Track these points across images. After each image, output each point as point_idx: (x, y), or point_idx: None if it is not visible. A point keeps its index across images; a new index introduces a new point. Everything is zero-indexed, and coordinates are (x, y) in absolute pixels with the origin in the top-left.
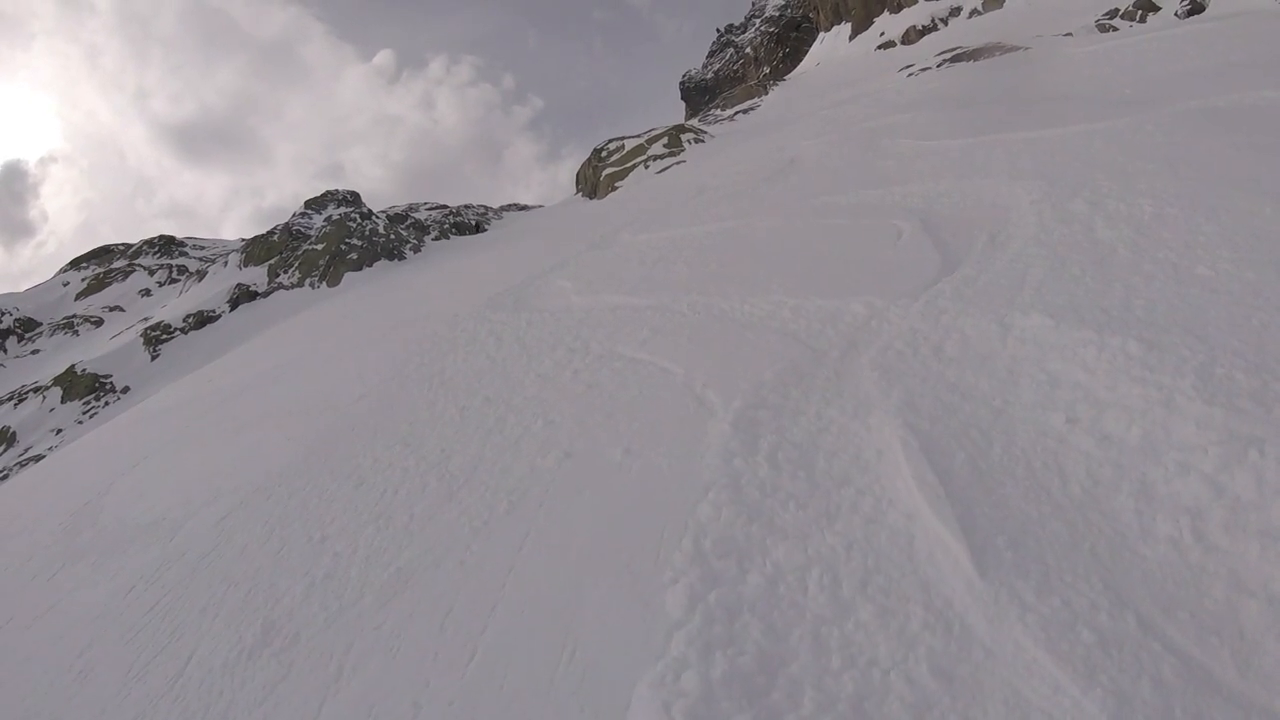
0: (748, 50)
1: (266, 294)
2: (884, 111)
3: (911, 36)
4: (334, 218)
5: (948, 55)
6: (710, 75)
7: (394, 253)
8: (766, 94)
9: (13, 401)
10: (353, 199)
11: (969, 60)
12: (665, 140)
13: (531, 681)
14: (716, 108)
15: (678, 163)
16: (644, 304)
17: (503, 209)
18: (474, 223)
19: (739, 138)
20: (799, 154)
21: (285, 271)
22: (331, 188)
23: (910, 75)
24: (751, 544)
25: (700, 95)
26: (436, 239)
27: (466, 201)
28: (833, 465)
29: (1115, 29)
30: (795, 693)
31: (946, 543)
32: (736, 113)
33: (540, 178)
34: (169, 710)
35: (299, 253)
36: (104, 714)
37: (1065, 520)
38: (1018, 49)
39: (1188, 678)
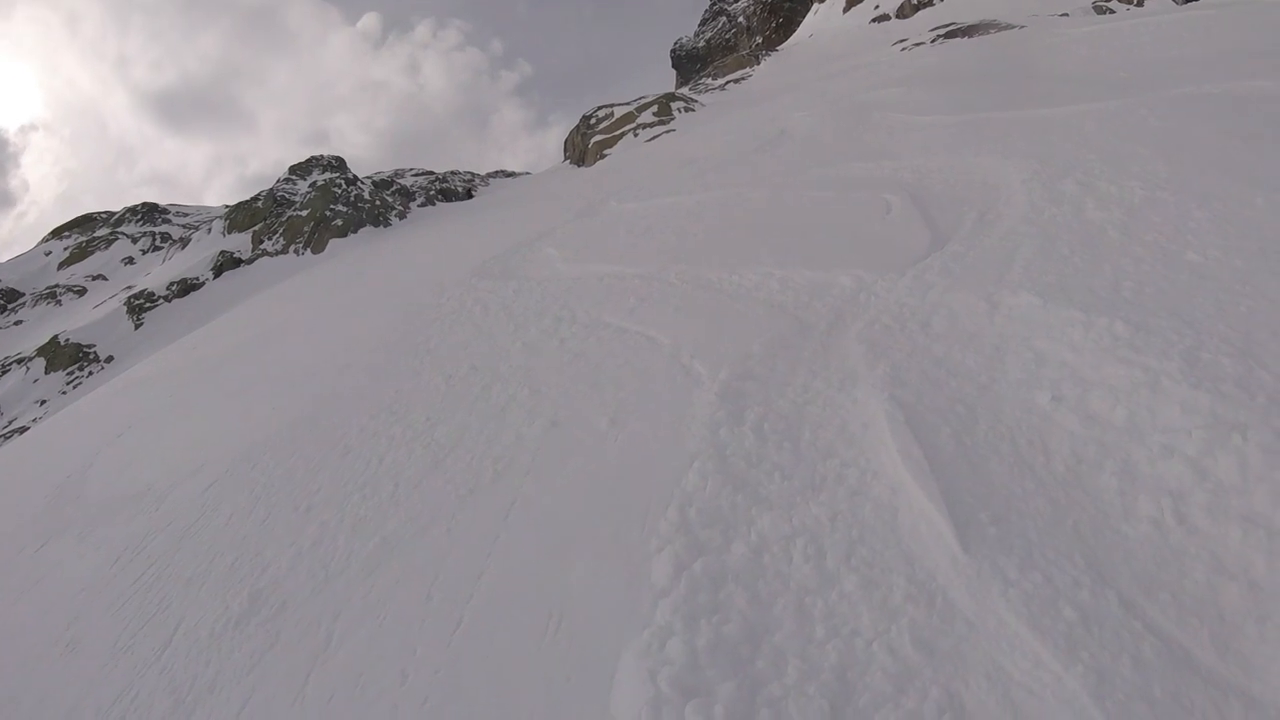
0: (740, 19)
1: (251, 261)
2: (876, 85)
3: (906, 10)
4: (319, 183)
5: (942, 31)
6: (702, 44)
7: (380, 219)
8: (758, 64)
9: None
10: (338, 164)
11: (963, 37)
12: (655, 108)
13: (518, 649)
14: (708, 77)
15: (668, 131)
16: (631, 273)
17: (490, 176)
18: (461, 189)
19: (730, 107)
20: (790, 125)
21: (270, 238)
22: (316, 153)
23: (904, 50)
24: (737, 514)
25: (691, 64)
26: (423, 205)
27: (453, 168)
28: (818, 437)
29: (1112, 11)
30: (779, 661)
31: (930, 516)
32: (728, 82)
33: (528, 144)
34: (156, 681)
35: (283, 219)
36: (92, 686)
37: (1049, 497)
38: (1013, 27)
39: (1167, 658)
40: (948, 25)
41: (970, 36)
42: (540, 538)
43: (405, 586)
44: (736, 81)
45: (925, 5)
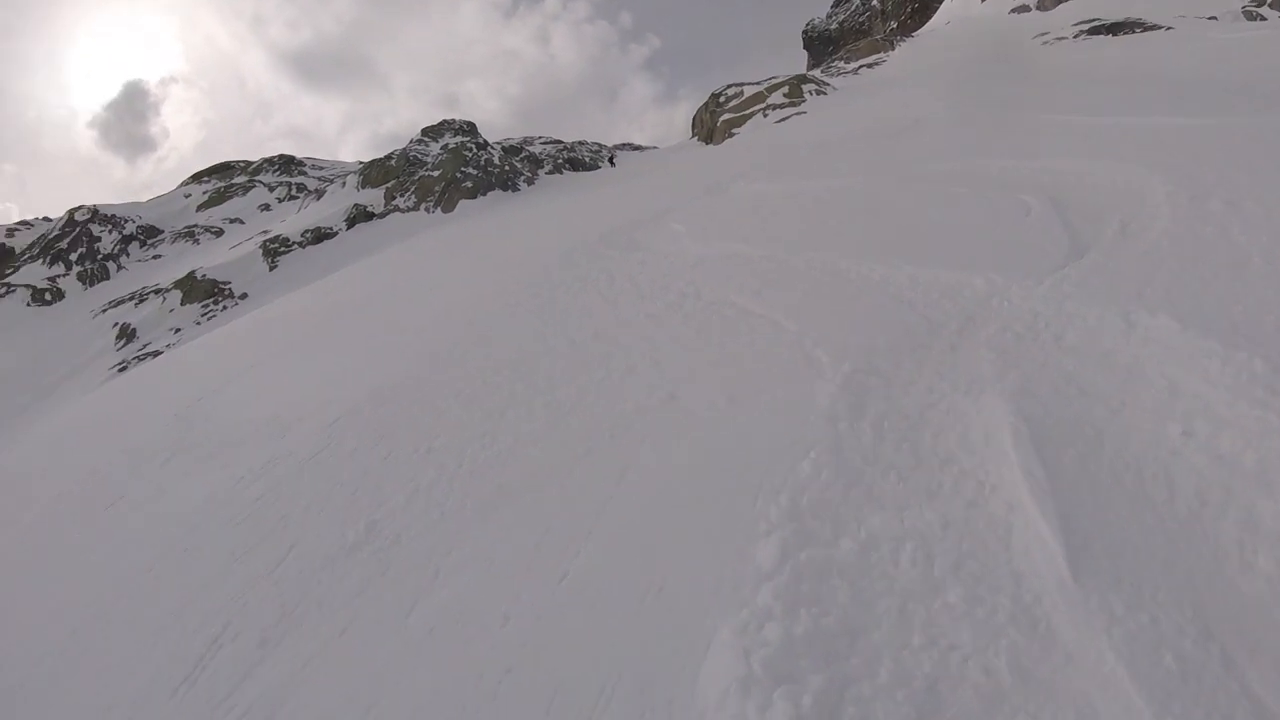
0: (874, 2)
1: (383, 215)
2: (1017, 79)
3: (1047, 3)
4: (450, 146)
5: (1085, 26)
6: (834, 26)
7: (508, 184)
8: (893, 49)
9: (134, 301)
10: (469, 129)
11: (1107, 34)
12: (786, 89)
13: (618, 608)
14: (840, 60)
15: (798, 113)
16: (758, 254)
17: (616, 148)
18: (587, 159)
19: (862, 93)
20: (925, 115)
21: (401, 195)
22: (448, 117)
23: (1045, 43)
24: (848, 509)
25: (823, 46)
26: (550, 173)
27: (581, 138)
28: (938, 442)
29: (1263, 18)
30: (873, 662)
31: (1045, 538)
32: (860, 66)
33: (655, 118)
34: (267, 592)
35: (415, 178)
36: (205, 590)
37: (1167, 537)
38: (1159, 28)
39: None
40: (1091, 20)
41: (1115, 35)
42: (650, 505)
43: (515, 535)
44: (870, 66)
45: None
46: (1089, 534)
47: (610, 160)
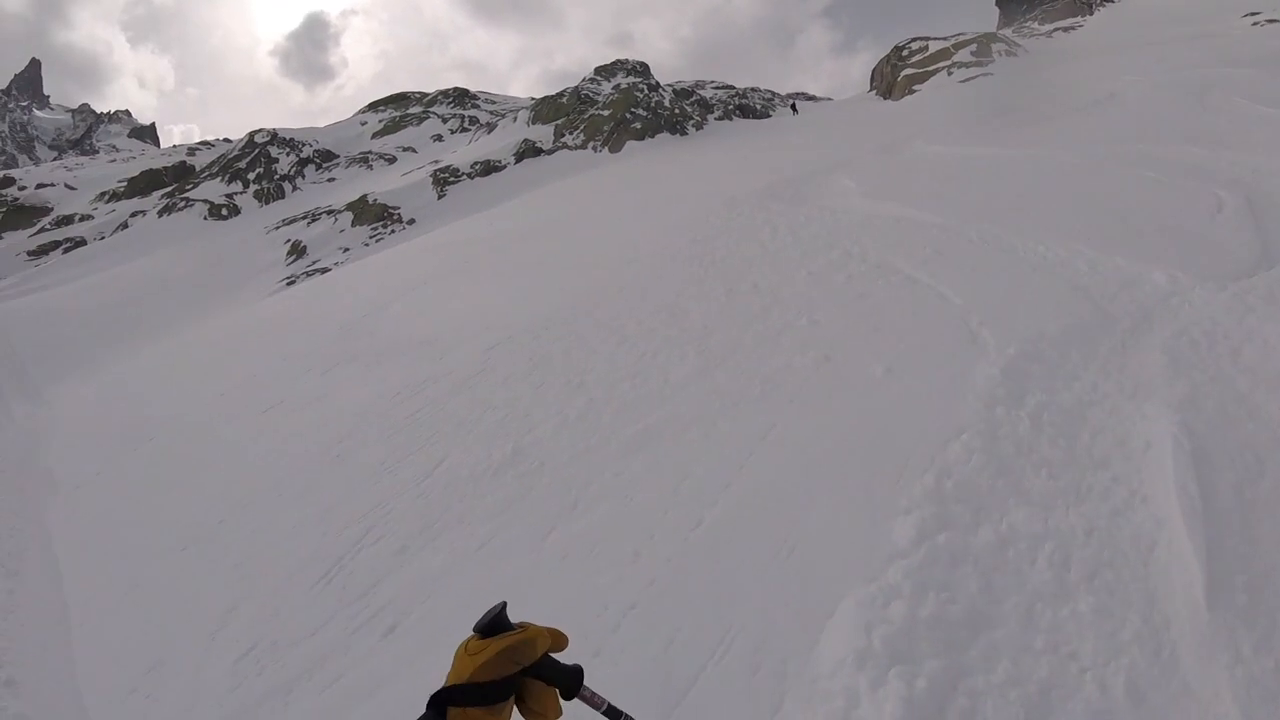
0: None
1: (551, 152)
2: (1222, 61)
3: None
4: (622, 86)
5: None
6: None
7: (677, 127)
8: (1091, 14)
9: (306, 220)
10: (642, 69)
11: None
12: (974, 48)
13: (747, 563)
14: (1034, 20)
15: (984, 74)
16: (930, 221)
17: (789, 96)
18: (759, 107)
19: (1055, 58)
20: (1119, 89)
21: (570, 133)
22: (621, 57)
23: (1256, 24)
24: (994, 498)
25: (1018, 4)
26: (720, 119)
27: (753, 84)
28: (1095, 443)
29: None
30: (991, 657)
31: (1187, 561)
32: (1055, 30)
33: (832, 68)
34: (411, 503)
35: (585, 116)
36: (352, 493)
37: None
38: None
39: None
40: None
41: None
42: (792, 465)
43: (656, 476)
44: (1065, 30)
45: None
46: (1232, 565)
47: (793, 107)
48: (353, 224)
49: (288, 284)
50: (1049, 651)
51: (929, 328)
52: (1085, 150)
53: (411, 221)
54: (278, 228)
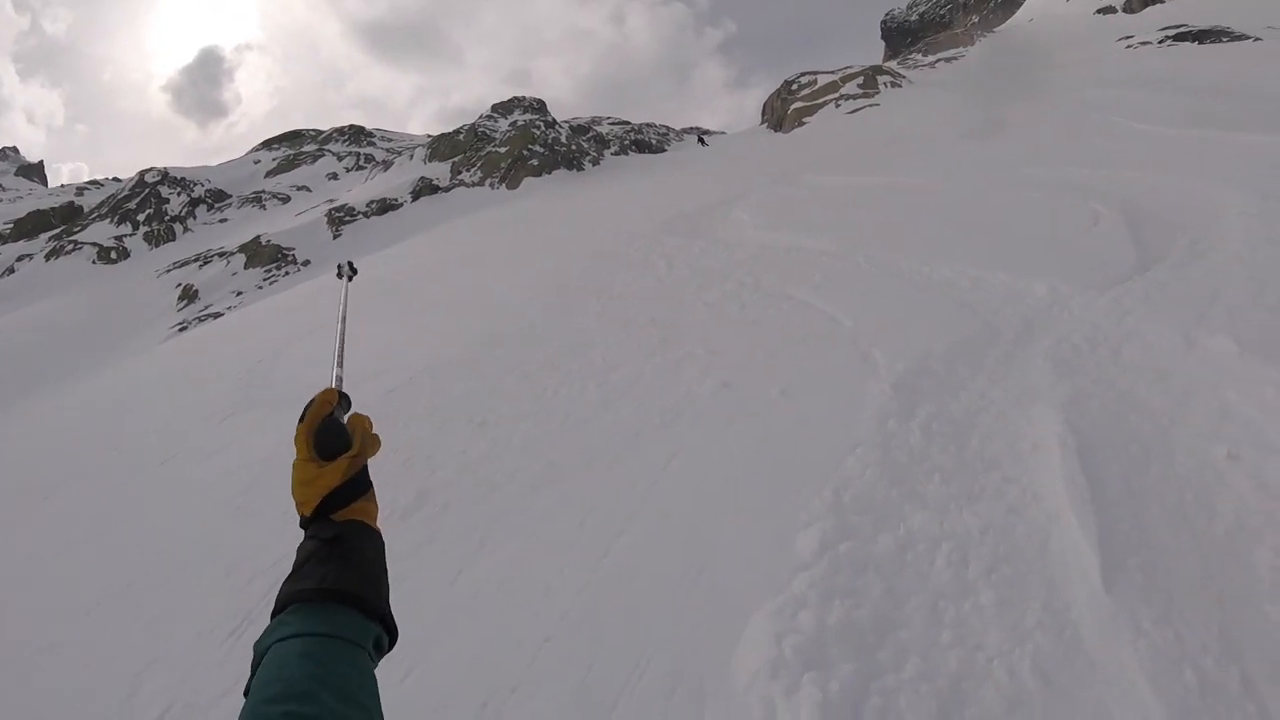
0: None
1: (448, 189)
2: (1099, 83)
3: (1134, 5)
4: (518, 123)
5: (1171, 32)
6: (915, 17)
7: (574, 163)
8: (973, 44)
9: (198, 263)
10: (539, 107)
11: (1193, 41)
12: (860, 80)
13: (657, 588)
14: (918, 52)
15: (871, 105)
16: (821, 249)
17: (684, 131)
18: (654, 142)
19: (939, 88)
20: (1002, 115)
21: (468, 170)
22: (519, 94)
23: (1129, 47)
24: (890, 506)
25: (902, 37)
26: (616, 154)
27: (649, 120)
28: (985, 447)
29: None
30: (900, 656)
31: (1081, 549)
32: (939, 60)
33: (726, 103)
34: None
35: (482, 153)
36: (260, 550)
37: (1202, 558)
38: (1247, 38)
39: None
40: (1178, 26)
41: (1201, 43)
42: (696, 490)
43: (561, 510)
44: (948, 60)
45: (1155, 1)
46: (1126, 549)
47: (700, 139)
48: (246, 266)
49: (180, 330)
50: (956, 645)
51: (822, 350)
52: (969, 174)
53: (306, 263)
54: (169, 270)
